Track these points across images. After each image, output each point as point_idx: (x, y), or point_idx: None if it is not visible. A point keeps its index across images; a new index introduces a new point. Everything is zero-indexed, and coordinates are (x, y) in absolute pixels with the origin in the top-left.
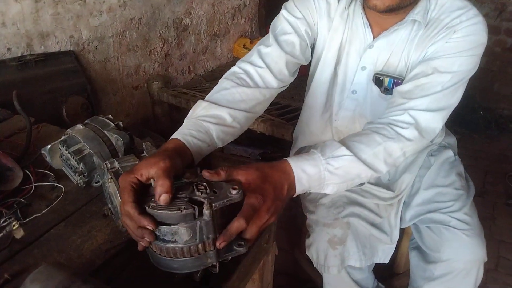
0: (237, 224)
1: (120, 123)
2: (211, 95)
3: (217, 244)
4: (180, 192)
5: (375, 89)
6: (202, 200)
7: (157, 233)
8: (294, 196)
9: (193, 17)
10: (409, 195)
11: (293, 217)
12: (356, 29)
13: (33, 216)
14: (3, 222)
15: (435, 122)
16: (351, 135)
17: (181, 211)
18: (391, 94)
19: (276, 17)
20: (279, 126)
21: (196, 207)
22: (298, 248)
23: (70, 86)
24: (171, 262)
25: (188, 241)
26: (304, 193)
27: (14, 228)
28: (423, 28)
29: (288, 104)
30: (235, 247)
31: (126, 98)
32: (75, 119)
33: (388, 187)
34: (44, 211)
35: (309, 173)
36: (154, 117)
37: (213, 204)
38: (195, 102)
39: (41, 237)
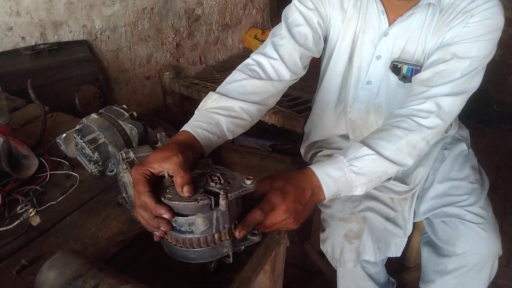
0: (255, 215)
1: (134, 113)
2: (222, 87)
3: (236, 233)
4: (195, 183)
5: (393, 77)
6: (218, 190)
7: (174, 224)
8: (326, 201)
9: (204, 7)
10: (423, 189)
11: None
12: (369, 18)
13: (49, 204)
14: (20, 209)
15: (456, 105)
16: (372, 133)
17: (198, 201)
18: (409, 82)
19: (287, 6)
20: (290, 118)
21: (212, 197)
22: (308, 241)
23: (83, 75)
24: (187, 253)
25: (205, 231)
26: None
27: (30, 215)
28: (438, 12)
29: (299, 96)
30: (249, 236)
31: (138, 88)
32: (88, 108)
33: (402, 180)
34: (59, 199)
35: (333, 176)
36: (165, 107)
37: (229, 195)
38: (206, 92)
39: (56, 225)
